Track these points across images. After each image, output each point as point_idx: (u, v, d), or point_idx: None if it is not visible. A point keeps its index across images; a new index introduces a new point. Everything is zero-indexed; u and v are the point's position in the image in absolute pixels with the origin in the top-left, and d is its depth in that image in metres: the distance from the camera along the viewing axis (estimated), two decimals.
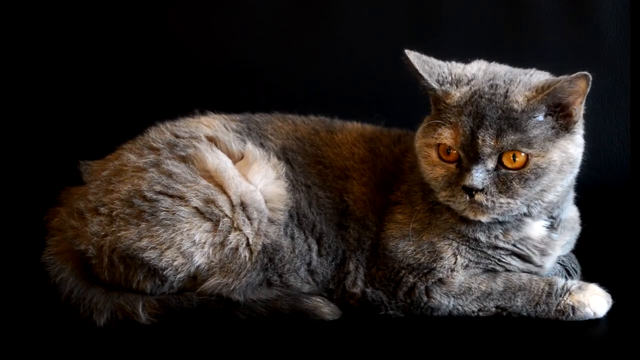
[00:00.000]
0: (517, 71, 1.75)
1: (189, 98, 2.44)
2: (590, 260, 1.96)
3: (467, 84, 1.71)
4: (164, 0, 2.60)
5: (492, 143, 1.63)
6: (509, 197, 1.66)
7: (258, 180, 1.81)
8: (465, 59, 1.81)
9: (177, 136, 1.86)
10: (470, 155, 1.65)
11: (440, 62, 1.77)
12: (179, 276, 1.75)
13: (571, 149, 1.68)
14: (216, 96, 2.49)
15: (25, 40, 2.54)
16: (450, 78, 1.73)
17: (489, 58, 1.82)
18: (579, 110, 1.68)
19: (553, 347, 1.63)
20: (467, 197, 1.66)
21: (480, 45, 2.46)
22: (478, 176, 1.64)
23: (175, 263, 1.73)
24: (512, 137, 1.62)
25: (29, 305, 1.87)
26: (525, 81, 1.69)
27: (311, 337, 1.72)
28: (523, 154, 1.64)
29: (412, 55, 1.73)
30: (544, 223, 1.78)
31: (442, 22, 2.52)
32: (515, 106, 1.64)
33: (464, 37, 2.49)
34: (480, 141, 1.63)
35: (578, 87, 1.63)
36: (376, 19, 2.56)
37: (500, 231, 1.75)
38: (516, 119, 1.63)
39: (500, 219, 1.72)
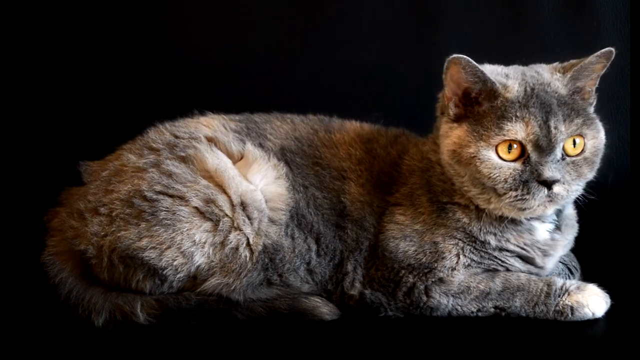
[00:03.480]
0: (524, 67, 1.77)
1: (189, 98, 2.44)
2: (589, 260, 1.96)
3: (508, 79, 1.70)
4: (163, 0, 2.60)
5: (563, 129, 1.63)
6: (578, 183, 1.68)
7: (258, 180, 1.82)
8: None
9: (176, 137, 1.87)
10: (543, 147, 1.63)
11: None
12: (178, 276, 1.75)
13: (600, 126, 1.73)
14: (215, 96, 2.49)
15: (25, 40, 2.55)
16: (499, 73, 1.71)
17: (489, 57, 1.81)
18: (593, 92, 1.72)
19: (552, 348, 1.63)
20: (546, 191, 1.64)
21: (480, 44, 2.47)
22: (555, 167, 1.63)
23: (175, 263, 1.73)
24: (577, 120, 1.65)
25: (28, 305, 1.87)
26: (545, 68, 1.73)
27: (310, 337, 1.72)
28: (580, 139, 1.66)
29: (466, 58, 1.66)
30: (548, 227, 1.78)
31: (442, 22, 2.52)
32: (562, 91, 1.67)
33: (463, 37, 2.49)
34: (553, 129, 1.62)
35: (601, 65, 1.67)
36: (376, 19, 2.55)
37: (514, 234, 1.76)
38: (569, 102, 1.66)
39: (559, 207, 1.74)
